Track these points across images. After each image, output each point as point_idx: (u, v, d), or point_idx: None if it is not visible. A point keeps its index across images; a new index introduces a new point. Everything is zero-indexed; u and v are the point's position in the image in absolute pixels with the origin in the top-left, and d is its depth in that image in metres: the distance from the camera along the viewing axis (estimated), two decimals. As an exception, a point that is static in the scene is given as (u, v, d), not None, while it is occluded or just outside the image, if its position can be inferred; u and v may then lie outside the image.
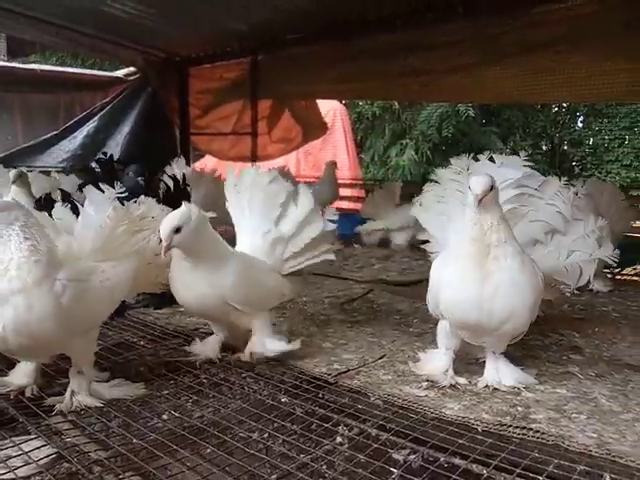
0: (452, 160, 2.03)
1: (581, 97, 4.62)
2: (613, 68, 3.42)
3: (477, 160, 2.00)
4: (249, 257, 1.94)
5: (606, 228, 1.88)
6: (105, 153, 3.32)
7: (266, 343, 1.86)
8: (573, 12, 3.47)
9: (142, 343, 2.09)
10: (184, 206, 1.73)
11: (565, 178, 1.92)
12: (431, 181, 2.05)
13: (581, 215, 1.87)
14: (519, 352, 1.97)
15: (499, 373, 1.70)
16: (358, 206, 6.18)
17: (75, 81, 6.22)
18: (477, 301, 1.58)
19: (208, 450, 1.34)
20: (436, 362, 1.76)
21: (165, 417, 1.53)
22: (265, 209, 1.98)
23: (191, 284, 1.79)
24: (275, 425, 1.48)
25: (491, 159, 1.96)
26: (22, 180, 3.02)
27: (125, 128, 5.87)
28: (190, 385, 1.73)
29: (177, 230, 1.67)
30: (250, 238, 1.99)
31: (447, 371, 1.72)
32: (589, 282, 2.89)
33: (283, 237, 1.97)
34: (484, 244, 1.59)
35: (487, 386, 1.67)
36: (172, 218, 1.69)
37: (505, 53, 3.75)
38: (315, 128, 6.04)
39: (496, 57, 3.82)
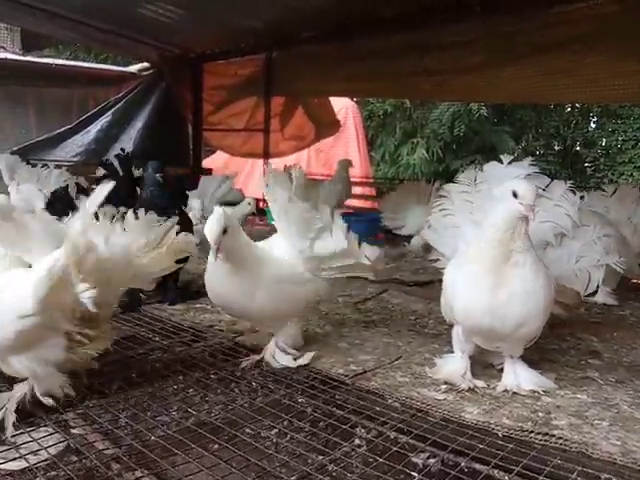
0: (460, 175, 2.01)
1: (596, 98, 4.58)
2: (630, 69, 3.38)
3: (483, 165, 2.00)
4: (282, 266, 1.90)
5: (614, 235, 1.92)
6: (123, 149, 3.32)
7: (276, 354, 1.86)
8: (592, 12, 3.43)
9: (157, 339, 2.09)
10: (218, 209, 1.71)
11: (570, 182, 1.93)
12: (440, 196, 2.03)
13: (588, 220, 1.88)
14: (536, 356, 1.95)
15: (518, 377, 1.68)
16: (368, 204, 6.17)
17: (89, 76, 6.26)
18: (490, 307, 1.57)
19: (223, 448, 1.34)
20: (453, 366, 1.74)
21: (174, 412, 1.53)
22: (301, 227, 1.89)
23: (224, 288, 1.81)
24: (292, 425, 1.47)
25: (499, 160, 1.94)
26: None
27: (138, 123, 5.89)
28: (201, 381, 1.73)
29: (224, 231, 1.67)
30: (288, 246, 1.94)
31: (465, 374, 1.70)
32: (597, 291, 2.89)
33: (318, 257, 1.91)
34: (508, 249, 1.57)
35: (506, 390, 1.65)
36: (217, 220, 1.66)
37: (519, 53, 3.72)
38: (328, 126, 6.03)
39: (510, 57, 3.78)
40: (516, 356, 1.72)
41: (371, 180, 7.72)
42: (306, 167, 7.70)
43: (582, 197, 1.93)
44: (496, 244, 1.58)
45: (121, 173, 2.84)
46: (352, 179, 5.48)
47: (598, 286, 2.80)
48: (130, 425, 1.46)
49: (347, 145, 8.08)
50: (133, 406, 1.57)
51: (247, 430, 1.44)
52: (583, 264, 1.83)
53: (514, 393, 1.64)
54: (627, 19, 3.28)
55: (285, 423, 1.48)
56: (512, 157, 1.94)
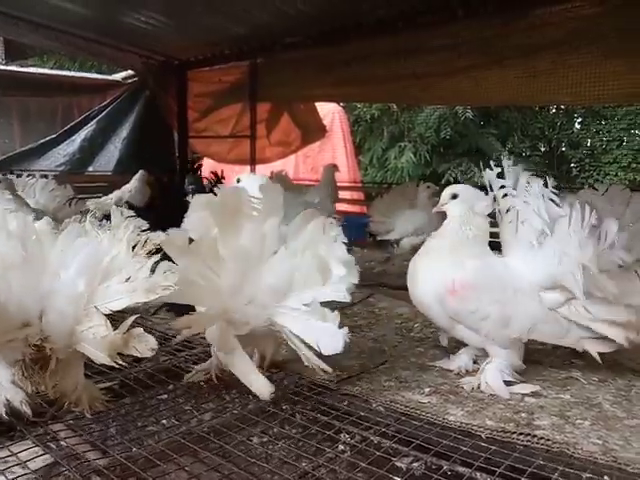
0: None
1: (580, 99, 4.61)
2: (612, 70, 3.42)
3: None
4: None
5: (609, 226, 1.74)
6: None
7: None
8: (574, 14, 3.47)
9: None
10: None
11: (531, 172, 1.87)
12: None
13: (562, 210, 1.75)
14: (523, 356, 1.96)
15: (483, 379, 1.71)
16: (357, 209, 6.18)
17: (73, 85, 6.24)
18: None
19: (208, 457, 1.33)
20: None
21: (165, 422, 1.52)
22: None
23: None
24: (276, 431, 1.46)
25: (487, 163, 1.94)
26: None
27: (124, 131, 5.89)
28: (188, 391, 1.72)
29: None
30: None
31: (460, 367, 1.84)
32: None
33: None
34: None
35: (473, 389, 1.70)
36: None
37: (504, 56, 3.75)
38: (314, 131, 6.03)
39: (495, 60, 3.81)
40: (499, 361, 1.73)
41: (359, 184, 7.74)
42: (294, 172, 7.72)
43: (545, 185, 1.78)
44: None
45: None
46: (339, 184, 5.50)
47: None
48: (120, 435, 1.44)
49: (334, 150, 8.11)
50: (123, 416, 1.55)
51: (233, 439, 1.42)
52: (565, 265, 1.69)
53: (495, 395, 1.65)
54: (608, 21, 3.33)
55: (270, 430, 1.47)
56: (498, 160, 1.92)
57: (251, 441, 1.41)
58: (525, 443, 1.36)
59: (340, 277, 1.57)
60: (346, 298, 1.56)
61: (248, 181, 1.86)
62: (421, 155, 9.63)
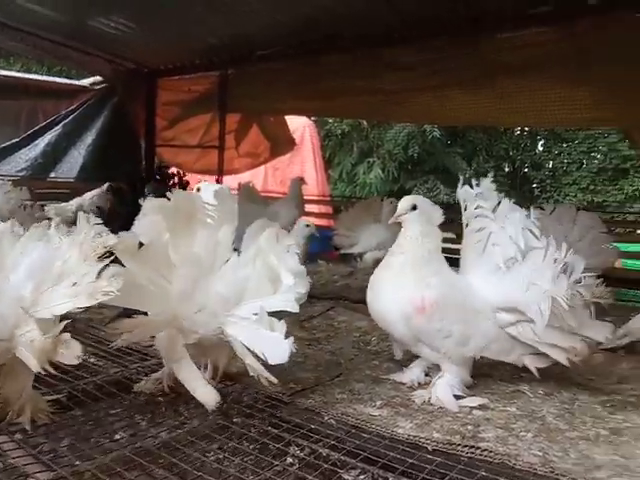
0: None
1: (541, 122, 4.79)
2: (574, 95, 3.56)
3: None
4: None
5: (576, 263, 1.78)
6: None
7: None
8: (537, 39, 3.60)
9: (92, 360, 2.03)
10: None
11: (513, 200, 1.91)
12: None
13: (539, 243, 1.80)
14: (474, 371, 2.01)
15: (434, 393, 1.74)
16: (324, 222, 6.22)
17: (38, 88, 6.08)
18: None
19: (159, 472, 1.31)
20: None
21: (118, 437, 1.49)
22: None
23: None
24: (228, 446, 1.45)
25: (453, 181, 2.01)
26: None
27: (89, 137, 5.77)
28: (142, 404, 1.69)
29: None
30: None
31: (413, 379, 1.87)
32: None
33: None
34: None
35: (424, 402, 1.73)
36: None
37: (470, 77, 3.86)
38: (283, 144, 6.07)
39: (462, 81, 3.92)
40: (451, 376, 1.77)
41: (327, 198, 7.80)
42: (262, 184, 7.72)
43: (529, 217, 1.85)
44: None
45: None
46: (308, 197, 5.53)
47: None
48: (70, 451, 1.39)
49: (304, 163, 8.16)
50: (76, 431, 1.50)
51: (183, 452, 1.41)
52: (532, 294, 1.74)
53: (444, 408, 1.69)
54: (569, 47, 3.47)
55: (221, 445, 1.46)
56: (467, 179, 1.96)
57: (202, 456, 1.40)
58: (469, 455, 1.39)
59: (289, 287, 1.58)
60: (295, 308, 1.56)
61: (208, 190, 1.86)
62: (389, 171, 9.81)
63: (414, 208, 1.84)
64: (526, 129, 11.32)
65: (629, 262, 4.44)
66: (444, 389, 1.74)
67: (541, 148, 12.04)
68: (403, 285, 1.77)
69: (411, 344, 1.83)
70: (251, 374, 1.57)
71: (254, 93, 5.23)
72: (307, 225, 3.10)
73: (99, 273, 1.35)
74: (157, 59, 5.47)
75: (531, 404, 1.75)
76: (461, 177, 1.98)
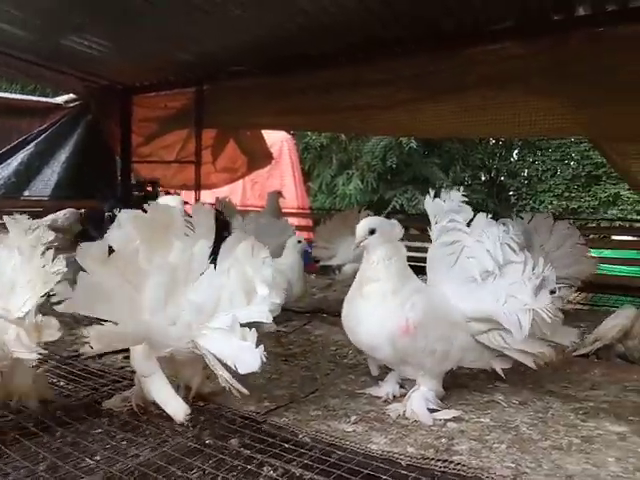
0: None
1: (507, 134, 4.90)
2: (538, 107, 3.65)
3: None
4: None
5: (551, 278, 1.79)
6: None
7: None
8: (502, 54, 3.69)
9: (61, 384, 1.98)
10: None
11: (490, 215, 1.91)
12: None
13: (517, 257, 1.81)
14: (449, 381, 2.01)
15: (409, 406, 1.73)
16: (304, 235, 6.22)
17: (10, 107, 6.02)
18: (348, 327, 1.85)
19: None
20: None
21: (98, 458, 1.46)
22: None
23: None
24: (198, 470, 1.43)
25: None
26: None
27: (62, 156, 5.72)
28: (107, 430, 1.65)
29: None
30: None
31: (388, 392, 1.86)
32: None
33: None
34: (360, 279, 1.82)
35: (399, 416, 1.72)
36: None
37: (439, 91, 3.94)
38: (260, 158, 6.08)
39: (431, 95, 4.00)
40: (426, 389, 1.77)
41: (307, 211, 7.81)
42: (241, 198, 7.70)
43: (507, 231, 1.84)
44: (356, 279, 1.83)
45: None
46: (287, 210, 5.54)
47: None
48: (49, 474, 1.37)
49: (283, 176, 8.18)
50: (54, 452, 1.48)
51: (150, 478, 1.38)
52: (511, 307, 1.75)
53: (419, 421, 1.68)
54: (531, 61, 3.57)
55: (190, 469, 1.43)
56: (439, 189, 1.97)
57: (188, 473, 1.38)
58: (442, 469, 1.39)
59: (264, 298, 1.57)
60: (268, 319, 1.56)
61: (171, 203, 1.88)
62: (368, 182, 9.87)
63: (372, 232, 1.80)
64: (501, 139, 11.53)
65: (603, 267, 4.51)
66: (419, 402, 1.73)
67: (516, 157, 12.26)
68: (386, 311, 1.74)
69: (394, 364, 1.84)
70: (222, 384, 1.56)
71: (230, 108, 5.25)
72: (299, 241, 3.11)
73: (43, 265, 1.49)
74: (131, 76, 5.46)
75: (505, 414, 1.76)
76: (431, 190, 1.98)
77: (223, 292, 1.61)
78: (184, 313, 1.59)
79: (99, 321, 1.52)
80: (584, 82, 3.40)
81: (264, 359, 1.48)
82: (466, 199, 1.92)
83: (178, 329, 1.58)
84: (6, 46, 4.55)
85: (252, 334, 1.52)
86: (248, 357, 1.48)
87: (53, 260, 1.51)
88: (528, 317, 1.71)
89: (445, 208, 1.90)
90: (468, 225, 1.89)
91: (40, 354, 1.48)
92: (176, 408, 1.55)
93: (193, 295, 1.61)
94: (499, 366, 1.87)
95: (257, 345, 1.50)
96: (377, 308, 1.75)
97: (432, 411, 1.72)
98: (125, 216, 1.63)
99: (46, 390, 1.71)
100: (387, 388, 1.89)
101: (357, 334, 1.81)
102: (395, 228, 1.84)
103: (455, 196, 1.89)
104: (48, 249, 1.55)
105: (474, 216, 1.90)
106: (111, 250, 1.57)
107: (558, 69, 3.46)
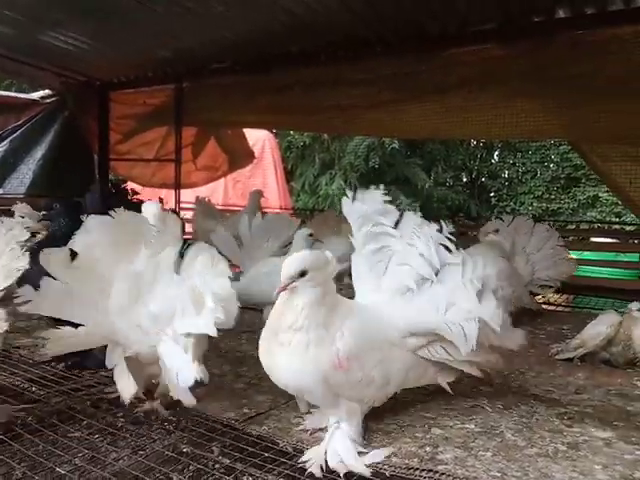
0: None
1: (489, 135, 4.92)
2: (518, 109, 3.66)
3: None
4: None
5: (491, 278, 1.61)
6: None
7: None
8: (482, 55, 3.70)
9: (33, 389, 1.90)
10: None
11: (420, 213, 1.72)
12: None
13: (454, 258, 1.63)
14: (432, 386, 1.98)
15: (329, 450, 1.45)
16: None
17: (-16, 103, 5.84)
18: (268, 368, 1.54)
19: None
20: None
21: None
22: None
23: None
24: (179, 476, 1.37)
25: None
26: None
27: (38, 152, 5.55)
28: (80, 437, 1.58)
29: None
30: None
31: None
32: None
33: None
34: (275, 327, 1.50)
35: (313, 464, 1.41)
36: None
37: (421, 91, 3.93)
38: (241, 157, 6.00)
39: (412, 95, 3.99)
40: (344, 423, 1.52)
41: (290, 211, 7.75)
42: (223, 198, 7.62)
43: (440, 230, 1.64)
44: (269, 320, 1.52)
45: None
46: (269, 210, 5.47)
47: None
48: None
49: (265, 176, 8.11)
50: (30, 457, 1.44)
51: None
52: (454, 316, 1.56)
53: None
54: (513, 62, 3.58)
55: (164, 477, 1.37)
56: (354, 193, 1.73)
57: None
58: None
59: (210, 310, 1.52)
60: (213, 332, 1.49)
61: (149, 209, 1.83)
62: (351, 182, 9.83)
63: (303, 274, 1.44)
64: (482, 141, 11.62)
65: (583, 269, 4.56)
66: (345, 447, 1.45)
67: (497, 158, 12.38)
68: (315, 346, 1.44)
69: (328, 403, 1.53)
70: (170, 394, 1.56)
71: (210, 106, 5.16)
72: (310, 234, 2.87)
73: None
74: (109, 72, 5.33)
75: (490, 419, 1.73)
76: (348, 193, 1.73)
77: (177, 301, 1.62)
78: (143, 319, 1.63)
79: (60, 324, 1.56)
80: (565, 84, 3.42)
81: (201, 377, 1.46)
82: (389, 198, 1.71)
83: (139, 333, 1.62)
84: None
85: (194, 349, 1.51)
86: (186, 371, 1.47)
87: (17, 256, 1.53)
88: (474, 327, 1.52)
89: (368, 211, 1.68)
90: (396, 227, 1.69)
91: None
92: (124, 387, 1.58)
93: (152, 302, 1.65)
94: (444, 380, 1.71)
95: (199, 360, 1.50)
96: (299, 356, 1.44)
97: (359, 454, 1.45)
98: (93, 222, 1.67)
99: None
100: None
101: (281, 377, 1.51)
102: (329, 266, 1.50)
103: (376, 196, 1.70)
104: (22, 247, 1.56)
105: (401, 216, 1.70)
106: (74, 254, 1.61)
107: (539, 72, 3.48)
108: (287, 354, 1.45)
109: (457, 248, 1.66)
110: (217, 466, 1.43)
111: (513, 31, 3.50)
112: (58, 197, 2.59)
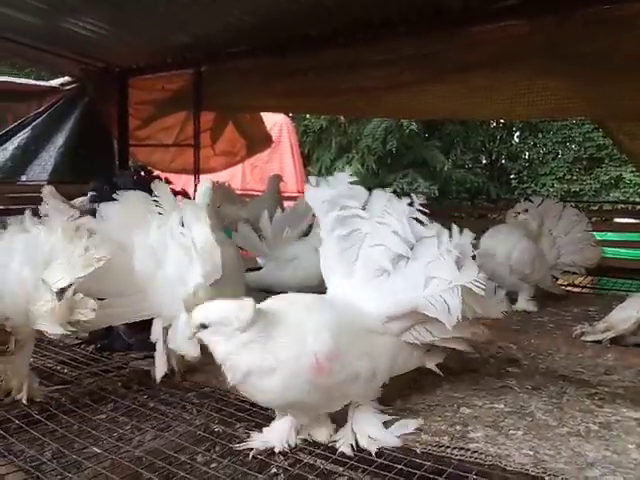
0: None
1: (514, 114, 4.81)
2: (543, 86, 3.58)
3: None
4: None
5: (468, 246, 1.52)
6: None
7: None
8: (506, 32, 3.61)
9: (66, 371, 1.95)
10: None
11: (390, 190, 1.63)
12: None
13: (430, 231, 1.53)
14: (458, 367, 1.98)
15: (356, 429, 1.44)
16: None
17: (6, 90, 5.90)
18: None
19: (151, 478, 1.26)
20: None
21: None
22: None
23: None
24: (207, 458, 1.39)
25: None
26: None
27: (59, 139, 5.60)
28: (127, 412, 1.63)
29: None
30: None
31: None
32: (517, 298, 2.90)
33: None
34: None
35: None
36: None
37: (443, 71, 3.84)
38: (259, 141, 5.98)
39: (435, 75, 3.90)
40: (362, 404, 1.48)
41: (307, 195, 7.74)
42: (241, 182, 7.63)
43: (411, 204, 1.55)
44: None
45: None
46: (287, 194, 5.47)
47: (517, 294, 2.92)
48: (55, 460, 1.36)
49: (282, 160, 8.10)
50: (59, 439, 1.47)
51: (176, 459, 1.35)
52: (433, 289, 1.44)
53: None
54: (537, 39, 3.48)
55: (197, 456, 1.40)
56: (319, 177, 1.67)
57: (195, 461, 1.36)
58: (459, 457, 1.35)
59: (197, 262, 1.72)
60: (201, 281, 1.68)
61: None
62: (368, 166, 9.78)
63: (204, 327, 1.30)
64: (501, 121, 11.41)
65: (608, 250, 4.49)
66: (373, 425, 1.45)
67: (517, 139, 12.16)
68: (287, 367, 1.30)
69: (322, 404, 1.43)
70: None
71: (228, 91, 5.14)
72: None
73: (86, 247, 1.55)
74: (128, 58, 5.33)
75: (519, 400, 1.72)
76: (310, 178, 1.67)
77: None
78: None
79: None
80: (591, 61, 3.31)
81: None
82: (355, 179, 1.63)
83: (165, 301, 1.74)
84: (5, 29, 4.44)
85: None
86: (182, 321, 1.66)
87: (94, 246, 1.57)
88: (456, 296, 1.41)
89: (333, 195, 1.58)
90: (365, 209, 1.59)
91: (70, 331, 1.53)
92: (158, 366, 1.74)
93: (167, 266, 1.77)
94: (432, 363, 1.64)
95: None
96: (279, 374, 1.30)
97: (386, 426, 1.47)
98: (106, 210, 1.82)
99: (34, 383, 1.71)
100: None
101: (272, 404, 1.43)
102: (235, 320, 1.27)
103: (342, 178, 1.62)
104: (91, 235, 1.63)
105: (370, 196, 1.61)
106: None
107: (564, 48, 3.37)
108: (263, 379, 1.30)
109: (431, 221, 1.57)
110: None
111: (537, 7, 3.41)
112: (95, 180, 2.59)
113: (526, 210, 3.00)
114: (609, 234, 4.86)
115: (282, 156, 8.10)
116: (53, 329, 1.52)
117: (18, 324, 1.56)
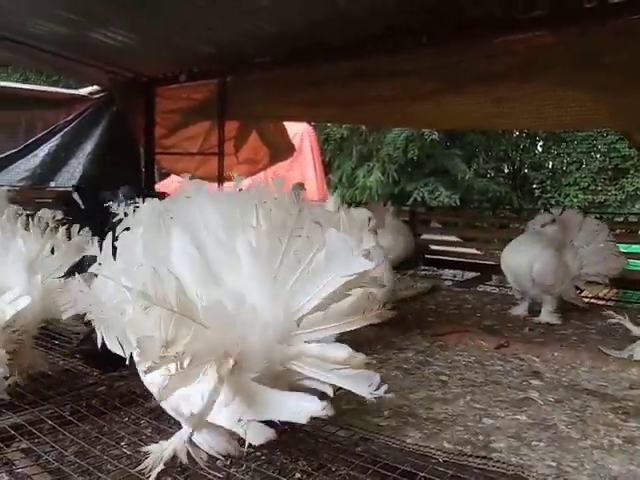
0: None
1: (536, 125, 4.80)
2: (566, 98, 3.56)
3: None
4: None
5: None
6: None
7: None
8: (531, 43, 3.60)
9: (95, 373, 2.01)
10: None
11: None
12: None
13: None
14: (481, 378, 1.99)
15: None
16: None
17: (37, 98, 6.10)
18: None
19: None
20: None
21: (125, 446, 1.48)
22: None
23: None
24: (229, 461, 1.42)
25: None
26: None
27: (88, 147, 5.75)
28: (142, 420, 1.67)
29: None
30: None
31: None
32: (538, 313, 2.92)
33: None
34: None
35: None
36: None
37: (466, 81, 3.85)
38: (282, 150, 6.06)
39: (458, 85, 3.91)
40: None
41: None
42: (263, 190, 7.70)
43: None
44: None
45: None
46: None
47: (540, 306, 2.92)
48: (78, 461, 1.40)
49: (303, 168, 8.17)
50: (82, 439, 1.51)
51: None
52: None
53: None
54: (562, 50, 3.47)
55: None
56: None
57: (200, 471, 1.37)
58: (481, 467, 1.36)
59: None
60: None
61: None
62: (389, 174, 9.79)
63: None
64: (524, 131, 11.32)
65: (631, 263, 4.42)
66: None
67: (540, 149, 12.03)
68: None
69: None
70: None
71: (252, 100, 5.22)
72: None
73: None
74: (156, 68, 5.46)
75: (542, 412, 1.72)
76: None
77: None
78: None
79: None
80: (616, 72, 3.30)
81: None
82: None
83: None
84: (34, 38, 4.59)
85: None
86: None
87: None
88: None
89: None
90: None
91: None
92: None
93: None
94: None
95: None
96: None
97: None
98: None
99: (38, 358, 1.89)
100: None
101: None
102: None
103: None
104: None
105: None
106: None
107: (589, 59, 3.36)
108: None
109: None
110: (272, 452, 1.48)
111: (562, 18, 3.40)
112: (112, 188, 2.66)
113: (554, 220, 2.99)
114: (634, 246, 4.78)
115: (303, 164, 8.17)
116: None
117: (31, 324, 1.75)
